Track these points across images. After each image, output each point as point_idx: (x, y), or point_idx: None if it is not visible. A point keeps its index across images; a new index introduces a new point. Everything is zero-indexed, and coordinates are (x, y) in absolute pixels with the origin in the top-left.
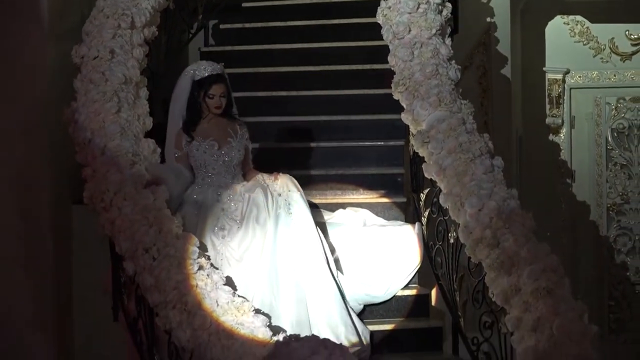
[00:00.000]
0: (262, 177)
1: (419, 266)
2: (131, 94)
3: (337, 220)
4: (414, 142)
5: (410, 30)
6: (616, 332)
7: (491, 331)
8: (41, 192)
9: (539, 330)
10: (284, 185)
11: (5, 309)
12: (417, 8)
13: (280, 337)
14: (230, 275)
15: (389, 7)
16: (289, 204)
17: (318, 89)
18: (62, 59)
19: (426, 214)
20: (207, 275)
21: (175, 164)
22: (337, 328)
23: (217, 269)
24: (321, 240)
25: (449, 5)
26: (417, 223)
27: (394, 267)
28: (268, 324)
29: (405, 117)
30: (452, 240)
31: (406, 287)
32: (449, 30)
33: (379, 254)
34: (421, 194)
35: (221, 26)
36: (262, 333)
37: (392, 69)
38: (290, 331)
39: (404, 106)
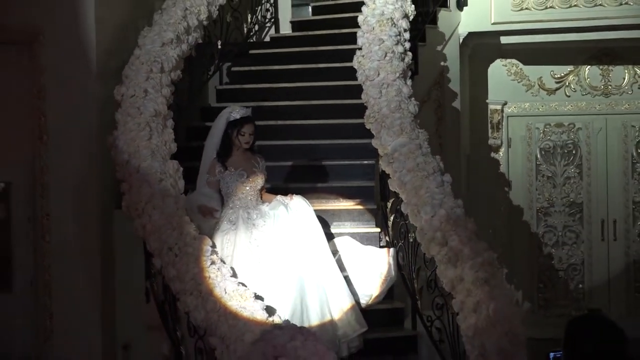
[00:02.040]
0: (282, 198)
1: (392, 278)
2: (160, 124)
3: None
4: (381, 163)
5: (379, 74)
6: (544, 308)
7: (442, 311)
8: (91, 200)
9: (478, 311)
10: (299, 203)
11: (68, 290)
12: (385, 56)
13: (275, 318)
14: (264, 274)
15: (363, 56)
16: (304, 218)
17: (309, 119)
18: (107, 96)
19: (392, 218)
20: (218, 268)
21: (205, 189)
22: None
23: (224, 263)
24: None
25: (409, 54)
26: (392, 248)
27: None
28: (265, 307)
29: (375, 143)
30: (411, 240)
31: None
32: (409, 73)
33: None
34: (388, 203)
35: (233, 69)
36: (259, 315)
37: (365, 104)
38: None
39: (374, 134)
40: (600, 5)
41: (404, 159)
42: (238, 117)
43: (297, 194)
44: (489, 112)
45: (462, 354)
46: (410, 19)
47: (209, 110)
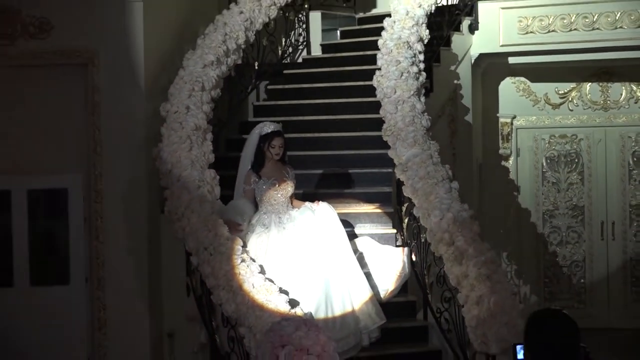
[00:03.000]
0: (309, 204)
1: (406, 275)
2: (200, 137)
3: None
4: (396, 171)
5: (395, 92)
6: (549, 301)
7: (449, 304)
8: (139, 205)
9: (481, 304)
10: (324, 208)
11: (119, 285)
12: (401, 76)
13: (297, 310)
14: (293, 271)
15: (382, 75)
16: (329, 221)
17: (335, 132)
18: (153, 112)
19: (406, 220)
20: (247, 266)
21: (239, 201)
22: (371, 309)
23: (254, 261)
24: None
25: (423, 73)
26: (406, 248)
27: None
28: (288, 300)
29: (391, 153)
30: (423, 240)
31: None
32: (423, 91)
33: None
34: (402, 207)
35: (268, 87)
36: (283, 307)
37: (383, 118)
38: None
39: (390, 145)
40: (598, 29)
41: (417, 167)
42: (269, 131)
43: (323, 199)
44: (499, 124)
45: (467, 342)
46: (425, 42)
47: (246, 124)
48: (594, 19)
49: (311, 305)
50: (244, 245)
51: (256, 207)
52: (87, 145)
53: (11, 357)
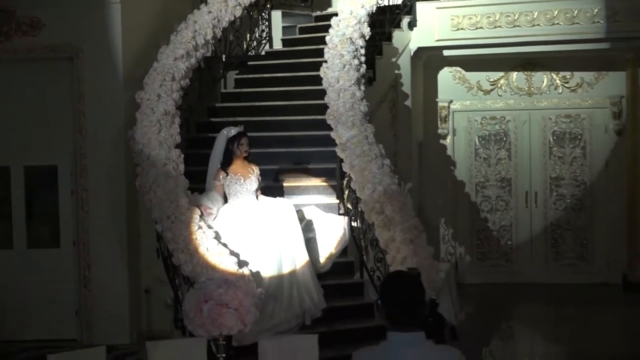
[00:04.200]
0: (271, 198)
1: (346, 240)
2: (169, 121)
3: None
4: (337, 150)
5: (338, 81)
6: (481, 260)
7: (380, 264)
8: (119, 179)
9: (405, 264)
10: (282, 201)
11: (102, 246)
12: (344, 68)
13: (244, 270)
14: (255, 246)
15: (327, 67)
16: (285, 211)
17: (292, 116)
18: (130, 99)
19: (346, 192)
20: (203, 232)
21: (212, 192)
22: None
23: (210, 227)
24: (299, 229)
25: (364, 65)
26: (346, 217)
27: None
28: (237, 262)
29: (333, 135)
30: (360, 209)
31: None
32: (363, 80)
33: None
34: (344, 181)
35: (236, 77)
36: (232, 267)
37: (327, 104)
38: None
39: (333, 128)
40: (518, 26)
41: (354, 147)
42: (235, 133)
43: (281, 173)
44: (438, 108)
45: None
46: (367, 38)
47: (214, 109)
48: (515, 17)
49: (269, 264)
50: (201, 215)
51: (226, 200)
52: (73, 128)
53: (10, 310)
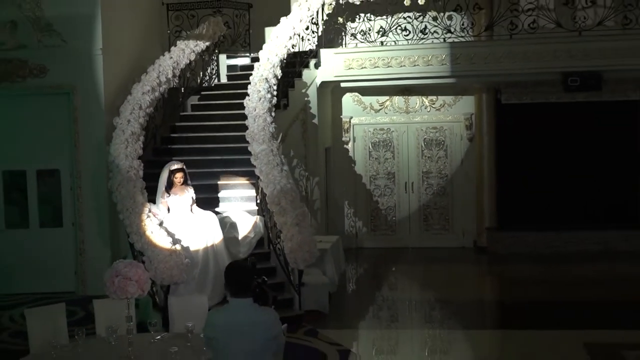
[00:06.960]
0: (202, 210)
1: (260, 231)
2: (134, 139)
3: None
4: (252, 159)
5: (255, 110)
6: (374, 231)
7: (279, 240)
8: (102, 179)
9: (293, 240)
10: (208, 213)
11: (92, 227)
12: (259, 100)
13: (177, 247)
14: (190, 240)
15: (248, 99)
16: (210, 218)
17: (229, 132)
18: (110, 123)
19: (260, 190)
20: (150, 220)
21: (160, 205)
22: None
23: (157, 219)
24: (220, 232)
25: (275, 98)
26: (259, 216)
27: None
28: (171, 241)
29: (250, 148)
30: (266, 201)
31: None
32: (273, 109)
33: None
34: (259, 181)
35: (191, 103)
36: (168, 246)
37: (247, 126)
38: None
39: (250, 143)
40: (391, 67)
41: (263, 157)
42: (174, 168)
43: (214, 175)
44: (342, 122)
45: (287, 263)
46: (279, 78)
47: (175, 127)
48: (388, 61)
49: (199, 253)
50: (149, 210)
51: (169, 211)
52: (70, 142)
53: (27, 275)
